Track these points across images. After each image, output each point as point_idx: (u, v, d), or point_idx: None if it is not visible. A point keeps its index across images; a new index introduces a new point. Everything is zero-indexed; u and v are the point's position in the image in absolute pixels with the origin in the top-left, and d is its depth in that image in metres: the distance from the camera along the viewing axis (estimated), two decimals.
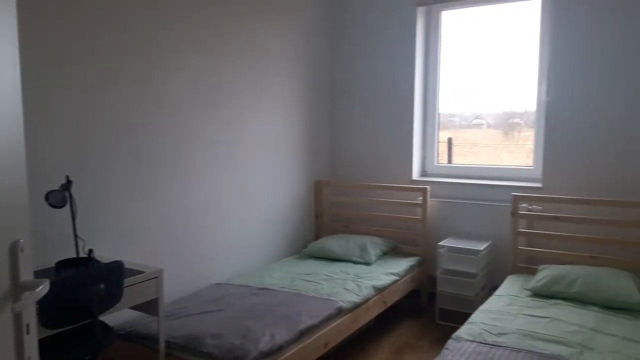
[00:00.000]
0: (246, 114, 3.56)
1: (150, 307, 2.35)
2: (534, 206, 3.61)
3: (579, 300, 2.89)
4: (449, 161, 4.36)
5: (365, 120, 4.38)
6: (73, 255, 2.29)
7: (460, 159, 4.33)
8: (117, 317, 2.51)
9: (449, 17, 4.18)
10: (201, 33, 3.16)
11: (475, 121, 4.33)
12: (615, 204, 3.22)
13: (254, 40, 3.58)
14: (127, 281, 2.16)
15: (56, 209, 2.17)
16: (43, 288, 1.02)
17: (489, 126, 4.27)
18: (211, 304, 2.85)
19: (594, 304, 2.84)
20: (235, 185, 3.50)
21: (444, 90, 4.26)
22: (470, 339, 2.45)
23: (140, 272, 2.30)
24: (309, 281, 3.27)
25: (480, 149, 4.29)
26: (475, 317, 2.72)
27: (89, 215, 2.55)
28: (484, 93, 4.14)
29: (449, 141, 4.38)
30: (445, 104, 4.30)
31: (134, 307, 2.33)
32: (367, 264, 3.68)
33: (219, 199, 3.37)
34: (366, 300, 3.12)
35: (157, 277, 2.34)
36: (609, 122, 3.36)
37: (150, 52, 2.84)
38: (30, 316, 1.05)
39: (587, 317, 2.68)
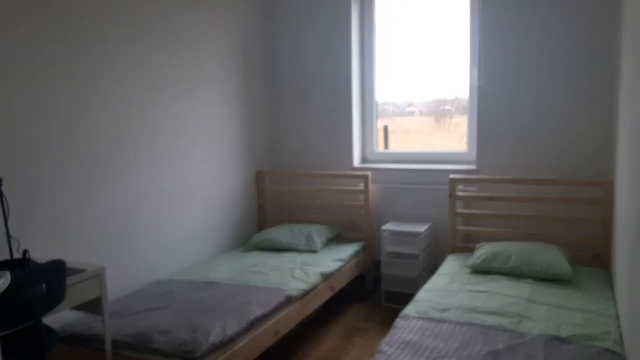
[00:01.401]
0: (183, 105, 3.47)
1: (93, 306, 2.26)
2: (469, 188, 3.77)
3: (514, 274, 3.07)
4: (386, 148, 4.47)
5: (306, 109, 4.39)
6: (7, 257, 2.16)
7: (396, 146, 4.45)
8: (58, 319, 2.40)
9: (382, 5, 4.25)
10: (132, 21, 3.04)
11: (408, 109, 4.46)
12: (543, 182, 3.43)
13: (189, 31, 3.50)
14: (68, 280, 2.06)
15: None
16: (4, 281, 0.97)
17: (421, 113, 4.41)
18: (157, 301, 2.77)
19: (529, 277, 3.02)
20: (174, 179, 3.41)
21: (379, 79, 4.35)
22: (417, 316, 2.54)
23: (81, 271, 2.20)
24: (256, 272, 3.25)
25: (414, 135, 4.43)
26: (420, 295, 2.83)
27: (23, 214, 2.40)
28: (416, 81, 4.27)
29: (385, 129, 4.48)
30: (380, 93, 4.40)
31: (76, 308, 2.23)
32: (313, 251, 3.71)
33: (158, 193, 3.27)
34: (314, 287, 3.16)
35: (99, 274, 2.25)
36: (537, 106, 3.56)
37: (79, 44, 2.71)
38: None
39: (523, 289, 2.85)
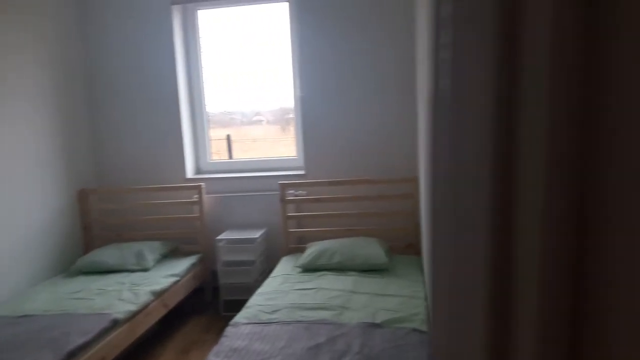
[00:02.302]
0: None
1: None
2: (300, 191, 3.94)
3: (339, 269, 3.26)
4: (230, 157, 4.45)
5: (132, 121, 4.20)
6: None
7: (242, 155, 4.46)
8: None
9: (210, 17, 4.23)
10: None
11: (255, 118, 4.50)
12: (363, 182, 3.72)
13: None
14: None
15: None
16: None
17: (268, 122, 4.49)
18: None
19: (352, 270, 3.24)
20: None
21: (219, 89, 4.31)
22: (247, 321, 2.58)
23: None
24: (79, 299, 3.01)
25: (261, 144, 4.48)
26: (252, 300, 2.88)
27: None
28: (261, 90, 4.31)
29: (228, 138, 4.47)
30: (222, 103, 4.37)
31: None
32: (145, 270, 3.55)
33: None
34: (145, 307, 3.03)
35: None
36: (354, 114, 3.84)
37: None
38: None
39: (347, 282, 3.05)
